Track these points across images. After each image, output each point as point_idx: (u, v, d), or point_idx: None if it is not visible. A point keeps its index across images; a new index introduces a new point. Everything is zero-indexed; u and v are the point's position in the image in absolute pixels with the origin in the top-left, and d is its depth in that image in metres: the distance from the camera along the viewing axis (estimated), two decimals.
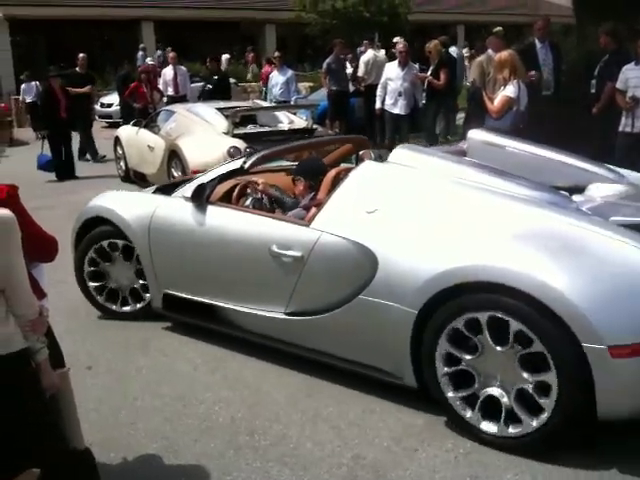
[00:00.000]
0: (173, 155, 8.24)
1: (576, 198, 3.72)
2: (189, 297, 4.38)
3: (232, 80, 18.46)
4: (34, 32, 24.32)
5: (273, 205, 4.59)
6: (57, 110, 10.46)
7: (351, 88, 12.22)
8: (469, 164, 3.87)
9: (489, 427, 3.11)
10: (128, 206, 4.63)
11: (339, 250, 3.56)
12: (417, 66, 10.37)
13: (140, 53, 23.23)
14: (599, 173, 4.04)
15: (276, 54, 11.91)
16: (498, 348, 3.03)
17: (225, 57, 25.06)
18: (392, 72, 9.78)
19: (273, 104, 11.12)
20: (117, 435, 3.39)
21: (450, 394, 3.20)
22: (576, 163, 4.11)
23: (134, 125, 9.80)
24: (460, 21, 31.08)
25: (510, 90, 6.14)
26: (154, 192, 5.09)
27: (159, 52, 23.23)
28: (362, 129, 11.90)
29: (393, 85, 9.72)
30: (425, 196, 3.53)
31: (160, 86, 13.89)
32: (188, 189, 4.38)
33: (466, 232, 3.25)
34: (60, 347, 2.78)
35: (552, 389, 2.91)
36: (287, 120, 8.60)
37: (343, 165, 4.85)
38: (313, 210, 4.03)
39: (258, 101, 9.44)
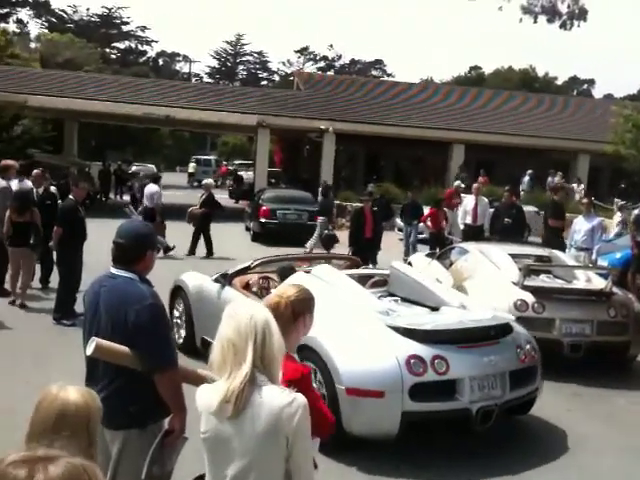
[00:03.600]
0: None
1: (426, 312, 5.95)
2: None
3: (532, 209, 18.02)
4: (354, 144, 26.90)
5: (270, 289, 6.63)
6: (363, 230, 11.26)
7: None
8: (354, 285, 6.10)
9: None
10: (193, 281, 7.58)
11: None
12: None
13: (527, 178, 23.74)
14: (449, 301, 6.01)
15: (584, 200, 11.36)
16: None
17: (574, 186, 23.52)
18: None
19: (573, 251, 10.63)
20: None
21: None
22: (441, 295, 6.15)
23: (427, 256, 10.08)
24: None
25: None
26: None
27: (550, 178, 22.96)
28: None
29: None
30: (322, 298, 5.40)
31: (459, 212, 14.11)
32: (217, 275, 7.16)
33: (323, 319, 4.91)
34: None
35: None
36: (584, 277, 8.02)
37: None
38: None
39: (556, 252, 8.97)
